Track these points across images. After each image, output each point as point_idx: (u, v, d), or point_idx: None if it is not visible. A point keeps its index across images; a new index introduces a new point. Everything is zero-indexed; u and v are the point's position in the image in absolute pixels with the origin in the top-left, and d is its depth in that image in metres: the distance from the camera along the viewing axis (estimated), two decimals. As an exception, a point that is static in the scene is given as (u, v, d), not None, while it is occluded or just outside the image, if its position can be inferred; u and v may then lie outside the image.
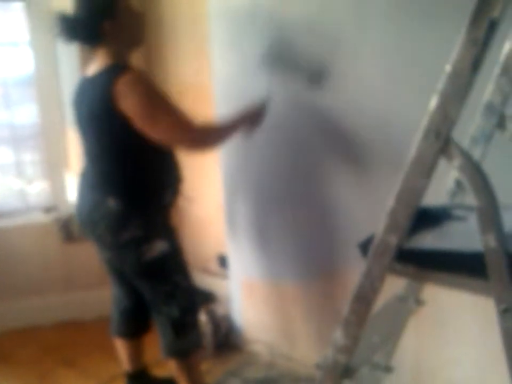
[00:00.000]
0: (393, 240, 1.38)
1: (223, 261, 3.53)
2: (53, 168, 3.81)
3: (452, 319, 2.43)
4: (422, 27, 2.23)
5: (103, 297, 3.15)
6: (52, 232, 3.75)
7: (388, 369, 2.04)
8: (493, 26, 1.16)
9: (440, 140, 1.25)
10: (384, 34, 2.36)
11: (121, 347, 2.87)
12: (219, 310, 3.45)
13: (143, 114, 2.27)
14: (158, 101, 2.32)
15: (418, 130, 1.28)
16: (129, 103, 2.24)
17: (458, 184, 1.80)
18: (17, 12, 3.58)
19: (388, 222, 1.38)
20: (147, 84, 2.32)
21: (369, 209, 2.45)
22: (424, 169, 1.29)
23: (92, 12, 2.33)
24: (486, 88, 1.72)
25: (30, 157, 3.85)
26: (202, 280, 3.42)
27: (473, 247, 1.32)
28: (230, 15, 2.85)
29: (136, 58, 2.53)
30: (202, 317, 3.23)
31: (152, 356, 2.98)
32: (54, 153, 3.79)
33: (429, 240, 1.52)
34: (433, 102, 1.24)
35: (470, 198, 1.28)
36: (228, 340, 3.42)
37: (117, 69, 2.32)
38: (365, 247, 1.50)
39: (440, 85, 1.22)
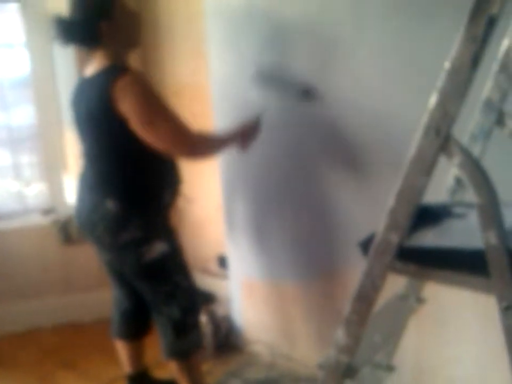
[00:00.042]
0: (394, 238, 1.38)
1: (222, 261, 3.52)
2: (50, 169, 3.80)
3: (453, 317, 2.43)
4: (420, 27, 2.23)
5: (102, 299, 3.14)
6: (51, 234, 3.74)
7: (390, 368, 2.03)
8: (491, 23, 1.16)
9: (440, 137, 1.24)
10: (382, 34, 2.35)
11: (121, 349, 2.86)
12: (219, 310, 3.45)
13: (141, 117, 2.27)
14: (156, 105, 2.32)
15: (418, 128, 1.27)
16: (127, 104, 2.24)
17: (458, 181, 1.80)
18: (13, 13, 3.57)
19: (389, 220, 1.37)
20: (145, 87, 2.31)
21: (368, 209, 2.45)
22: (424, 167, 1.28)
23: (88, 13, 2.32)
24: (485, 85, 1.72)
25: (27, 159, 3.84)
26: (202, 281, 3.41)
27: (474, 244, 1.32)
28: (226, 15, 2.85)
29: (132, 59, 2.53)
30: (203, 318, 3.22)
31: (152, 357, 2.97)
32: (52, 154, 3.78)
33: (429, 238, 1.51)
34: (433, 99, 1.23)
35: (469, 195, 1.28)
36: (228, 340, 3.41)
37: (115, 69, 2.32)
38: (365, 246, 1.49)
39: (440, 82, 1.22)
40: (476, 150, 1.74)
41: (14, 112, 3.74)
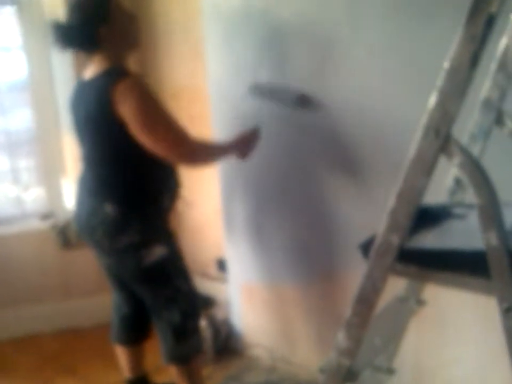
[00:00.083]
0: (395, 240, 1.37)
1: (222, 265, 3.51)
2: (49, 174, 3.79)
3: (453, 319, 2.43)
4: (418, 27, 2.22)
5: (101, 303, 3.14)
6: (49, 239, 3.72)
7: (390, 371, 2.02)
8: (490, 22, 1.16)
9: (440, 138, 1.24)
10: (380, 34, 2.34)
11: (121, 354, 2.86)
12: (219, 314, 3.44)
13: (140, 122, 2.26)
14: (155, 110, 2.32)
15: (418, 128, 1.26)
16: (127, 108, 2.23)
17: (458, 182, 1.79)
18: (9, 16, 3.56)
19: (389, 221, 1.36)
20: (145, 91, 2.31)
21: (367, 211, 2.44)
22: (424, 168, 1.28)
23: (86, 18, 2.32)
24: (483, 85, 1.71)
25: (25, 163, 3.83)
26: (202, 285, 3.40)
27: (475, 245, 1.31)
28: (224, 17, 2.84)
29: (130, 61, 2.52)
30: (202, 322, 3.21)
31: (152, 362, 2.96)
32: (50, 158, 3.77)
33: (430, 240, 1.50)
34: (432, 100, 1.23)
35: (469, 196, 1.27)
36: (227, 344, 3.40)
37: (114, 73, 2.32)
38: (365, 248, 1.49)
39: (439, 82, 1.21)
40: (475, 150, 1.73)
41: (11, 116, 3.73)
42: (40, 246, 3.75)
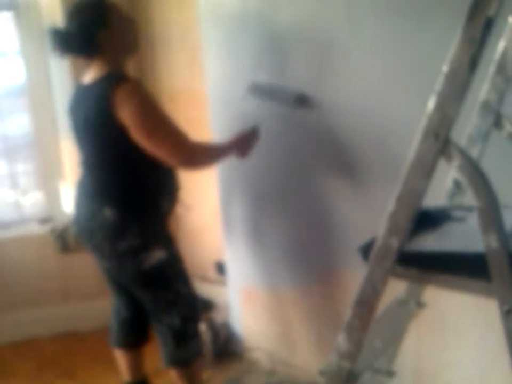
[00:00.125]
0: (395, 243, 1.37)
1: (221, 268, 3.51)
2: (47, 178, 3.79)
3: (453, 321, 2.43)
4: (416, 29, 2.23)
5: (101, 307, 3.14)
6: (48, 243, 3.72)
7: (390, 374, 2.02)
8: (489, 25, 1.16)
9: (440, 141, 1.24)
10: (378, 37, 2.35)
11: (121, 358, 2.85)
12: (218, 318, 3.43)
13: (140, 126, 2.27)
14: (155, 115, 2.33)
15: (417, 131, 1.27)
16: (127, 113, 2.24)
17: (457, 184, 1.80)
18: (6, 21, 3.55)
19: (389, 224, 1.36)
20: (145, 96, 2.32)
21: (366, 214, 2.44)
22: (424, 171, 1.28)
23: (85, 23, 2.32)
24: (482, 87, 1.71)
25: (23, 168, 3.83)
26: (201, 288, 3.39)
27: (474, 248, 1.31)
28: (221, 21, 2.84)
29: (128, 66, 2.52)
30: (201, 325, 3.21)
31: (152, 366, 2.96)
32: (48, 163, 3.77)
33: (429, 242, 1.51)
34: (431, 103, 1.23)
35: (468, 199, 1.27)
36: (227, 347, 3.40)
37: (114, 77, 2.33)
38: (365, 251, 1.49)
39: (438, 85, 1.21)
40: (474, 153, 1.74)
41: (9, 121, 3.73)
42: (39, 250, 3.75)
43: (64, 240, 3.71)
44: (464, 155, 1.24)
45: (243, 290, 3.27)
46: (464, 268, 1.36)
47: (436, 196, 1.71)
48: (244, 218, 3.10)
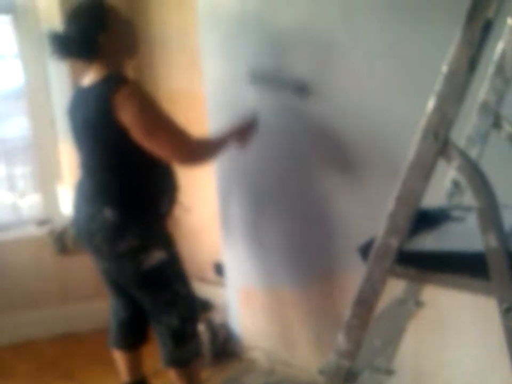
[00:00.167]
0: (394, 242, 1.38)
1: (219, 269, 3.52)
2: (45, 180, 3.79)
3: (452, 320, 2.43)
4: (415, 30, 2.23)
5: (99, 308, 3.14)
6: (46, 245, 3.72)
7: (389, 372, 2.03)
8: (488, 26, 1.17)
9: (439, 141, 1.25)
10: (376, 38, 2.35)
11: (119, 358, 2.86)
12: (216, 318, 3.44)
13: (142, 127, 2.29)
14: (156, 115, 2.34)
15: (416, 132, 1.28)
16: (128, 115, 2.25)
17: (456, 184, 1.81)
18: (5, 24, 3.56)
19: (388, 224, 1.37)
20: (145, 97, 2.33)
21: (366, 213, 2.45)
22: (423, 171, 1.29)
23: (85, 27, 2.33)
24: (481, 88, 1.73)
25: (21, 170, 3.83)
26: (199, 289, 3.40)
27: (474, 247, 1.32)
28: (220, 23, 2.85)
29: (128, 68, 2.53)
30: (200, 326, 3.22)
31: (151, 366, 2.96)
32: (46, 165, 3.77)
33: (429, 242, 1.52)
34: (431, 104, 1.24)
35: (467, 199, 1.28)
36: (226, 347, 3.40)
37: (114, 80, 2.33)
38: (364, 250, 1.50)
39: (437, 86, 1.22)
40: (473, 153, 1.75)
41: (7, 124, 3.73)
42: (37, 252, 3.75)
43: (62, 242, 3.71)
44: (464, 155, 1.26)
45: (242, 290, 3.28)
46: (463, 267, 1.37)
47: (435, 196, 1.72)
48: (242, 218, 3.10)
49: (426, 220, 1.59)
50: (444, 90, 1.22)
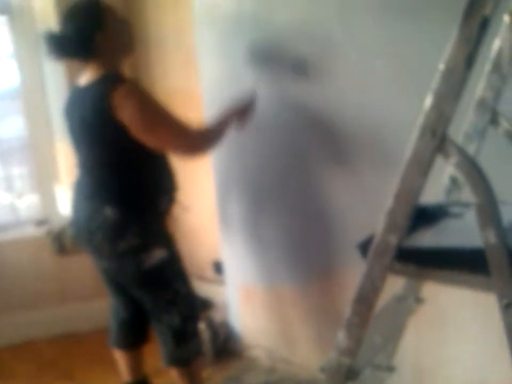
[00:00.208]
0: (393, 239, 1.38)
1: (218, 267, 3.52)
2: (42, 180, 3.79)
3: (452, 317, 2.44)
4: (411, 28, 2.23)
5: (99, 308, 3.14)
6: (45, 245, 3.72)
7: (390, 369, 2.04)
8: (485, 24, 1.17)
9: (436, 138, 1.25)
10: (373, 37, 2.35)
11: (120, 358, 2.86)
12: (217, 316, 3.44)
13: (142, 124, 2.29)
14: (155, 111, 2.34)
15: (414, 129, 1.28)
16: (128, 113, 2.25)
17: (454, 181, 1.81)
18: (0, 25, 3.55)
19: (387, 221, 1.38)
20: (144, 94, 2.34)
21: (365, 210, 2.45)
22: (421, 168, 1.29)
23: (81, 26, 2.33)
24: (478, 85, 1.73)
25: (18, 171, 3.83)
26: (199, 288, 3.40)
27: (473, 243, 1.32)
28: (216, 22, 2.85)
29: (124, 67, 2.53)
30: (200, 324, 3.22)
31: (152, 365, 2.96)
32: (43, 165, 3.77)
33: (427, 238, 1.52)
34: (428, 101, 1.24)
35: (465, 195, 1.29)
36: (226, 346, 3.41)
37: (111, 79, 2.33)
38: (364, 248, 1.50)
39: (434, 83, 1.22)
40: (470, 150, 1.75)
41: (3, 124, 3.73)
42: (35, 252, 3.75)
43: (60, 242, 3.71)
44: (462, 152, 1.26)
45: (241, 288, 3.28)
46: (463, 263, 1.38)
47: (433, 193, 1.72)
48: (241, 216, 3.11)
49: (425, 216, 1.59)
50: (441, 88, 1.22)
